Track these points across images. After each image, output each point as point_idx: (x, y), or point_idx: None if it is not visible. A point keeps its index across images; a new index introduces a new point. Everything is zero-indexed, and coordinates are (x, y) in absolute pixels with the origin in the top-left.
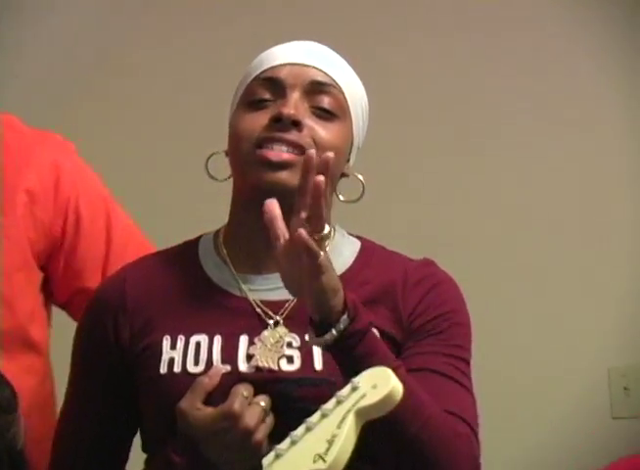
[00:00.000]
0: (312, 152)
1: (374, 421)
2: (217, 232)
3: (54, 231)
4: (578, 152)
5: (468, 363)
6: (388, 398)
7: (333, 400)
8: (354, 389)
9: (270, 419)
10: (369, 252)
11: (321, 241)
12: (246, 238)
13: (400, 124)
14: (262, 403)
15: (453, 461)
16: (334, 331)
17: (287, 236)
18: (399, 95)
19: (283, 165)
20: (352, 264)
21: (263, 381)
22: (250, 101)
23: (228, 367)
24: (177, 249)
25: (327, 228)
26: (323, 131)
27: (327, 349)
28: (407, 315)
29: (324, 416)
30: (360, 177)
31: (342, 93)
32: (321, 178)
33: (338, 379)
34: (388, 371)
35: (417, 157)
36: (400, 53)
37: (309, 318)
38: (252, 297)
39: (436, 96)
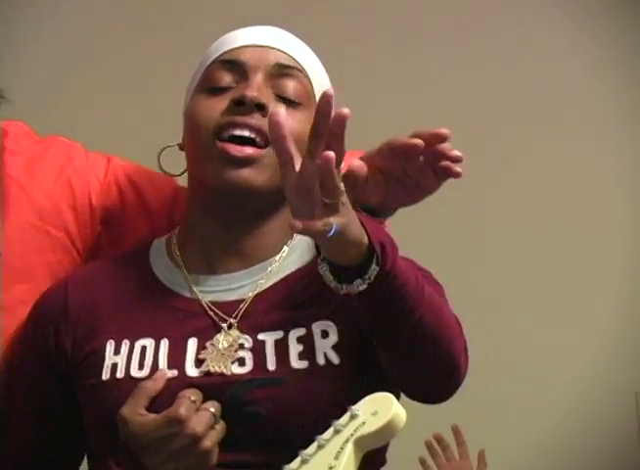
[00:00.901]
0: (330, 90)
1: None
2: (170, 235)
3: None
4: (577, 152)
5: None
6: (390, 425)
7: (330, 430)
8: (353, 416)
9: (221, 426)
10: None
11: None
12: (201, 237)
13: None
14: (212, 409)
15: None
16: (365, 278)
17: (297, 164)
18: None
19: (246, 161)
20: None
21: (213, 386)
22: (208, 86)
23: (175, 372)
24: (127, 253)
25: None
26: (289, 120)
27: (355, 296)
28: None
29: (320, 447)
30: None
31: (308, 78)
32: (346, 111)
33: (291, 378)
34: (390, 397)
35: None
36: (399, 56)
37: (327, 264)
38: (205, 298)
39: (438, 98)
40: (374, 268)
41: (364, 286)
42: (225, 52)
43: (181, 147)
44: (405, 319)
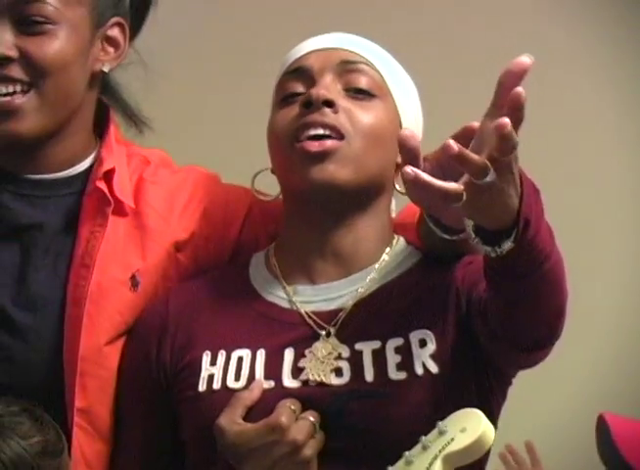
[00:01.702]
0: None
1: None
2: (268, 248)
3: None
4: (577, 152)
5: None
6: (479, 441)
7: (418, 446)
8: (441, 433)
9: (320, 436)
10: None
11: None
12: (298, 247)
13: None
14: (311, 418)
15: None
16: (509, 242)
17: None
18: None
19: (325, 155)
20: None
21: (310, 397)
22: (281, 98)
23: (272, 383)
24: (227, 268)
25: None
26: (362, 113)
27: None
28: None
29: (408, 464)
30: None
31: (377, 71)
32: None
33: (390, 390)
34: (479, 413)
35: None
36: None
37: (473, 227)
38: (304, 308)
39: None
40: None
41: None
42: (291, 63)
43: (272, 170)
44: (539, 268)
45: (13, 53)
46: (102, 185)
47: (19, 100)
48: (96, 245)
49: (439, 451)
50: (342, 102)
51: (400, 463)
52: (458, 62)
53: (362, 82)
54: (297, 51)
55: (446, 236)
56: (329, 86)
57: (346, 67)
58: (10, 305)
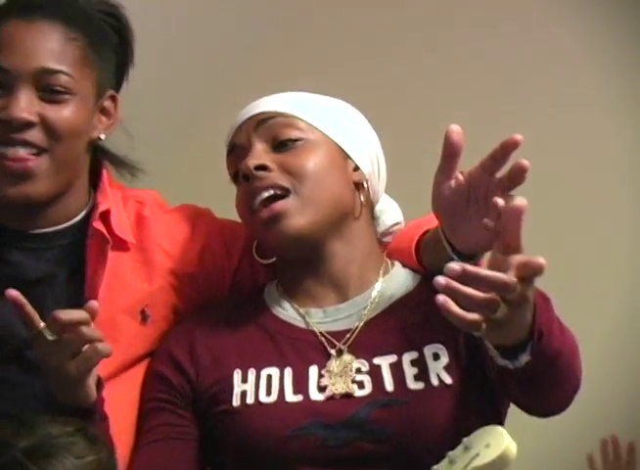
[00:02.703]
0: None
1: None
2: (276, 281)
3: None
4: (580, 152)
5: None
6: (502, 456)
7: (445, 461)
8: (466, 448)
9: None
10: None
11: None
12: (298, 280)
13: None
14: None
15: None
16: (526, 355)
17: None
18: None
19: (278, 217)
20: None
21: (337, 408)
22: (232, 178)
23: (300, 397)
24: (244, 295)
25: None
26: (295, 160)
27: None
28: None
29: None
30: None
31: (296, 117)
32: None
33: (409, 398)
34: (501, 429)
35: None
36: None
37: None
38: (318, 329)
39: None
40: (533, 343)
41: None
42: (228, 142)
43: None
44: (552, 364)
45: (34, 118)
46: (99, 226)
47: (32, 163)
48: (99, 282)
49: (465, 466)
50: (273, 158)
51: None
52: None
53: (282, 133)
54: (229, 130)
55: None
56: (256, 152)
57: (264, 125)
58: (29, 352)
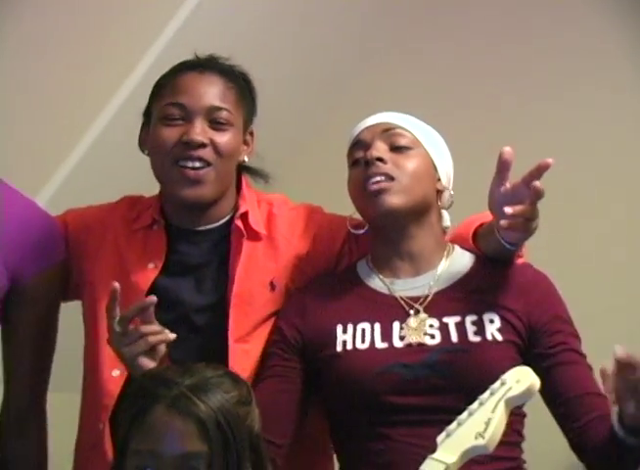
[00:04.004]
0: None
1: None
2: (367, 256)
3: None
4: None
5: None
6: (529, 389)
7: (487, 393)
8: (503, 383)
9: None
10: (482, 260)
11: None
12: (385, 255)
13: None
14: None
15: None
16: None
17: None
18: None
19: (381, 192)
20: (469, 271)
21: (414, 352)
22: (352, 162)
23: (386, 344)
24: (343, 270)
25: None
26: (404, 161)
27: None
28: (531, 318)
29: (481, 404)
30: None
31: (409, 131)
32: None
33: (469, 347)
34: (528, 369)
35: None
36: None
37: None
38: (399, 294)
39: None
40: None
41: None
42: (354, 138)
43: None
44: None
45: (207, 141)
46: (239, 223)
47: (203, 172)
48: (237, 265)
49: (502, 396)
50: (389, 156)
51: (476, 404)
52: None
53: (399, 141)
54: (356, 129)
55: (508, 246)
56: (378, 148)
57: (387, 133)
58: (195, 316)
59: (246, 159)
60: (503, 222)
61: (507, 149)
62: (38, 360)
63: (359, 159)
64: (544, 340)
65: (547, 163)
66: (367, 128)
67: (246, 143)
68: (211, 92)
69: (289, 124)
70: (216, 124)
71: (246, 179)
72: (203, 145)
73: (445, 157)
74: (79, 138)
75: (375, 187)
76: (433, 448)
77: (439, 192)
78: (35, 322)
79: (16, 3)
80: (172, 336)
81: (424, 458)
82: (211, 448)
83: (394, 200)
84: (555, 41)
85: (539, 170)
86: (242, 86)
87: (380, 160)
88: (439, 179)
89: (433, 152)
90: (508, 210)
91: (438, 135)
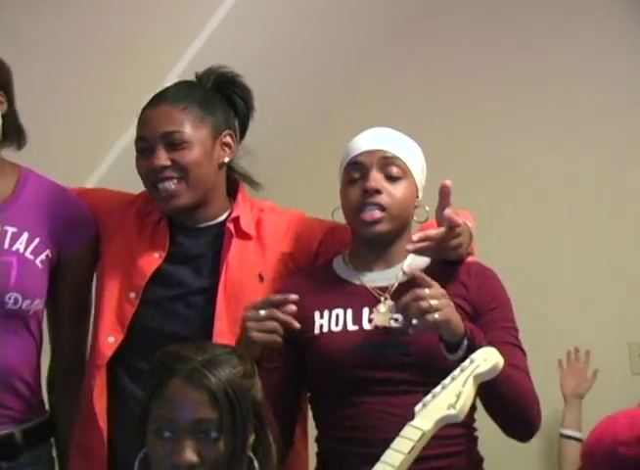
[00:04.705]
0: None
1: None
2: (343, 254)
3: None
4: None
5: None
6: (494, 367)
7: (458, 369)
8: (472, 361)
9: None
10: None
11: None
12: (360, 255)
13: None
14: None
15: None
16: (462, 350)
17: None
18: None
19: (375, 222)
20: (429, 266)
21: (380, 334)
22: (348, 180)
23: (356, 327)
24: (317, 266)
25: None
26: (395, 189)
27: (456, 357)
28: (473, 300)
29: (453, 379)
30: (427, 208)
31: (403, 161)
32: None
33: (425, 331)
34: (494, 350)
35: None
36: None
37: (440, 339)
38: (368, 284)
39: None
40: (466, 343)
41: (461, 354)
42: (352, 157)
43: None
44: (489, 390)
45: (167, 163)
46: (230, 226)
47: (173, 188)
48: (226, 258)
49: (471, 372)
50: (384, 185)
51: (448, 379)
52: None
53: (393, 171)
54: (354, 148)
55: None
56: (376, 178)
57: (384, 161)
58: (191, 297)
59: (226, 160)
60: (409, 247)
61: (447, 182)
62: (78, 323)
63: (356, 179)
64: (481, 318)
65: (446, 185)
66: (366, 152)
67: (226, 145)
68: (163, 120)
69: (286, 140)
70: (174, 146)
71: (243, 189)
72: (164, 167)
73: (424, 174)
74: (109, 149)
75: (368, 218)
76: (398, 412)
77: (416, 207)
78: (75, 290)
79: (52, 16)
80: (297, 325)
81: (389, 421)
82: (221, 415)
83: (383, 228)
84: (553, 52)
85: (443, 195)
86: (203, 102)
87: (378, 191)
88: (418, 197)
89: (417, 175)
90: (414, 237)
91: (420, 151)
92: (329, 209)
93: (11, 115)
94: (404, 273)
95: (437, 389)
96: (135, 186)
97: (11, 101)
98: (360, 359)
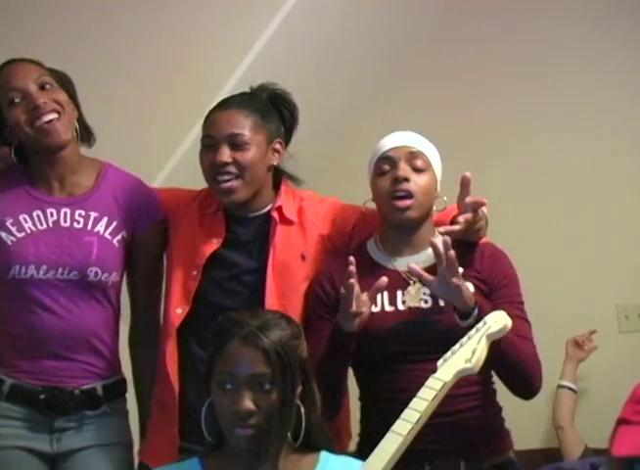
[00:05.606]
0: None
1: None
2: (375, 237)
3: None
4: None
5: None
6: (504, 327)
7: (473, 330)
8: (484, 323)
9: None
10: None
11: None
12: (390, 238)
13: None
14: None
15: (537, 369)
16: (473, 318)
17: None
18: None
19: (406, 209)
20: None
21: (412, 313)
22: (378, 172)
23: (392, 308)
24: (354, 248)
25: None
26: (420, 179)
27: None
28: (487, 278)
29: (469, 338)
30: (445, 198)
31: (425, 155)
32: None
33: (450, 309)
34: (504, 313)
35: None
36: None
37: (454, 309)
38: (400, 269)
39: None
40: (476, 312)
41: (471, 321)
42: (383, 152)
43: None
44: (498, 354)
45: (229, 160)
46: (274, 214)
47: (231, 184)
48: (273, 242)
49: (485, 332)
50: (411, 175)
51: (465, 338)
52: None
53: (418, 164)
54: (384, 145)
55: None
56: (405, 169)
57: (411, 155)
58: (245, 276)
59: (275, 163)
60: (440, 229)
61: (467, 174)
62: (152, 292)
63: (386, 171)
64: (494, 293)
65: (466, 176)
66: (395, 148)
67: (275, 151)
68: (229, 123)
69: (321, 138)
70: (236, 146)
71: (286, 182)
72: (226, 164)
73: (440, 169)
74: (170, 155)
75: (401, 205)
76: (427, 376)
77: (436, 197)
78: (148, 265)
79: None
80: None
81: (422, 381)
82: (273, 370)
83: (413, 214)
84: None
85: (464, 185)
86: (263, 112)
87: (406, 179)
88: (436, 189)
89: (437, 169)
90: (440, 229)
91: (436, 150)
92: (359, 202)
93: (81, 118)
94: (440, 234)
95: (456, 346)
96: (197, 183)
97: (78, 107)
98: (396, 336)
